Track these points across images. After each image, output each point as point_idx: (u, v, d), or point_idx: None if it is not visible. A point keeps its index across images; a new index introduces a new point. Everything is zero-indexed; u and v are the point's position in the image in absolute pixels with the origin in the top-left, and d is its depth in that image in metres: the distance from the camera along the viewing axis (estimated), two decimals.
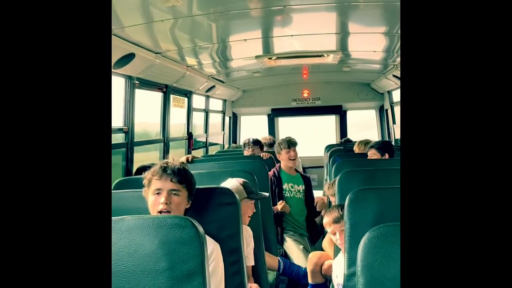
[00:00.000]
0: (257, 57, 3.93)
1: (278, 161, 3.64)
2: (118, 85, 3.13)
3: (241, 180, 2.17)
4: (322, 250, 2.69)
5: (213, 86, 4.97)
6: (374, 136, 6.40)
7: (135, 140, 3.32)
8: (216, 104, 5.91)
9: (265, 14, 2.64)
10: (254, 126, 6.78)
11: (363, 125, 6.86)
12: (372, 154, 3.21)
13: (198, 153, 5.01)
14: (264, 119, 6.72)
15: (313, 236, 3.44)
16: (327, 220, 2.05)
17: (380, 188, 1.67)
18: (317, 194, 3.89)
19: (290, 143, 3.53)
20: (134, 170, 3.15)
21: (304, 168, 5.75)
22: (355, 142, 4.27)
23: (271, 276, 2.61)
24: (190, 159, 3.15)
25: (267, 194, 2.31)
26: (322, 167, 5.05)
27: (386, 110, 6.10)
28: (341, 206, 2.02)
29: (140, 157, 3.50)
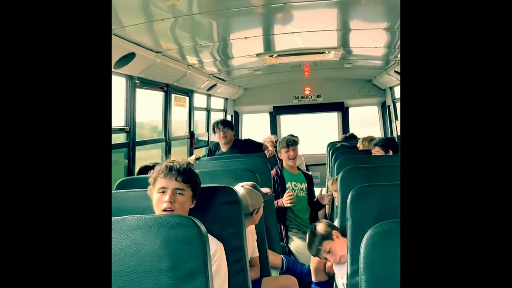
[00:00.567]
0: (258, 55, 3.92)
1: (281, 160, 3.64)
2: (119, 85, 3.13)
3: (250, 184, 2.15)
4: None
5: (214, 85, 4.97)
6: (377, 132, 6.38)
7: (136, 140, 3.32)
8: (217, 103, 5.90)
9: (265, 12, 2.63)
10: (256, 124, 6.77)
11: (366, 122, 6.83)
12: (376, 151, 3.21)
13: (200, 152, 5.02)
14: (266, 117, 6.71)
15: None
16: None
17: (382, 185, 1.66)
18: (319, 191, 3.88)
19: (289, 143, 3.51)
20: (136, 170, 3.16)
21: (307, 166, 5.75)
22: (359, 138, 4.24)
23: (275, 274, 2.61)
24: (196, 159, 3.16)
25: (272, 193, 2.31)
26: (325, 164, 5.05)
27: (388, 106, 6.08)
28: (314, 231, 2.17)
29: (143, 155, 3.50)
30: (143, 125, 4.01)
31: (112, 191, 1.83)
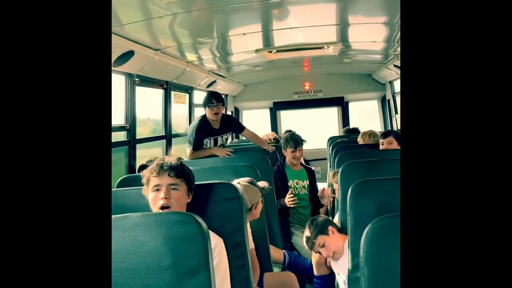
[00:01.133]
0: (257, 50, 3.91)
1: (282, 155, 3.61)
2: (118, 83, 3.14)
3: (247, 180, 2.16)
4: None
5: (214, 81, 4.97)
6: (377, 126, 6.38)
7: (137, 138, 3.33)
8: None
9: (263, 7, 2.62)
10: (256, 120, 6.76)
11: (366, 116, 6.82)
12: (391, 141, 3.16)
13: None
14: (266, 112, 6.70)
15: None
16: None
17: (383, 179, 1.66)
18: (320, 186, 3.88)
19: (298, 143, 3.43)
20: (137, 167, 3.16)
21: (307, 161, 5.75)
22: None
23: (277, 269, 2.63)
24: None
25: (270, 186, 2.31)
26: (325, 159, 5.05)
27: (388, 100, 6.07)
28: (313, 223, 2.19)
29: (144, 153, 3.51)
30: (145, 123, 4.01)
31: (113, 189, 1.84)
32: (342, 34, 3.60)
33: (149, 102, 3.94)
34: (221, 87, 5.46)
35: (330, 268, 2.55)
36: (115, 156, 3.16)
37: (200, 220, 1.19)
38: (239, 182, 2.13)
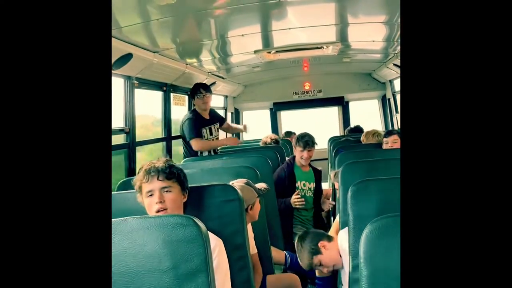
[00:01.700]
0: (256, 51, 3.91)
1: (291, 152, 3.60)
2: (117, 86, 3.14)
3: (243, 181, 2.15)
4: None
5: (214, 83, 4.96)
6: (378, 125, 6.37)
7: (137, 141, 3.33)
8: (217, 101, 5.90)
9: (261, 8, 2.62)
10: (257, 121, 6.76)
11: (367, 115, 6.81)
12: (396, 140, 3.15)
13: None
14: (267, 113, 6.70)
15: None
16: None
17: (383, 179, 1.66)
18: (322, 186, 3.87)
19: (307, 144, 3.38)
20: (137, 170, 3.15)
21: None
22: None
23: (278, 270, 2.62)
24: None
25: (268, 187, 2.29)
26: (326, 159, 5.04)
27: (389, 99, 6.07)
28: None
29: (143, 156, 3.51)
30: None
31: (113, 192, 1.84)
32: (341, 34, 3.60)
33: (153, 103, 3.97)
34: (221, 88, 5.46)
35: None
36: (114, 158, 3.15)
37: (199, 222, 1.19)
38: (233, 183, 2.12)
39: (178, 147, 4.22)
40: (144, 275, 1.16)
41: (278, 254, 2.72)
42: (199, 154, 3.90)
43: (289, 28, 3.19)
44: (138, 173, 1.66)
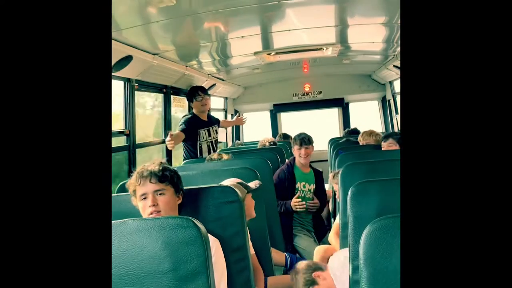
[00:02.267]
0: (255, 53, 3.92)
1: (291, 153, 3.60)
2: (117, 88, 3.14)
3: (235, 180, 2.15)
4: (329, 244, 2.69)
5: (214, 85, 4.97)
6: (378, 127, 6.37)
7: (137, 143, 3.33)
8: (217, 102, 5.90)
9: (261, 10, 2.63)
10: (257, 123, 6.76)
11: (367, 117, 6.81)
12: (391, 144, 3.14)
13: None
14: (267, 115, 6.70)
15: (319, 232, 3.44)
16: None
17: (383, 180, 1.66)
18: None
19: (303, 141, 3.40)
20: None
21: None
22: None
23: (278, 272, 2.62)
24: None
25: (260, 182, 2.27)
26: (327, 160, 5.04)
27: (389, 100, 6.07)
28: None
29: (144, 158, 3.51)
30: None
31: (113, 195, 1.84)
32: (341, 35, 3.60)
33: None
34: (220, 90, 5.46)
35: None
36: (114, 161, 3.16)
37: (199, 224, 1.19)
38: (223, 183, 2.12)
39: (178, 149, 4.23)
40: (144, 277, 1.17)
41: (278, 256, 2.71)
42: (199, 156, 3.91)
43: (289, 30, 3.20)
44: (131, 176, 1.67)
